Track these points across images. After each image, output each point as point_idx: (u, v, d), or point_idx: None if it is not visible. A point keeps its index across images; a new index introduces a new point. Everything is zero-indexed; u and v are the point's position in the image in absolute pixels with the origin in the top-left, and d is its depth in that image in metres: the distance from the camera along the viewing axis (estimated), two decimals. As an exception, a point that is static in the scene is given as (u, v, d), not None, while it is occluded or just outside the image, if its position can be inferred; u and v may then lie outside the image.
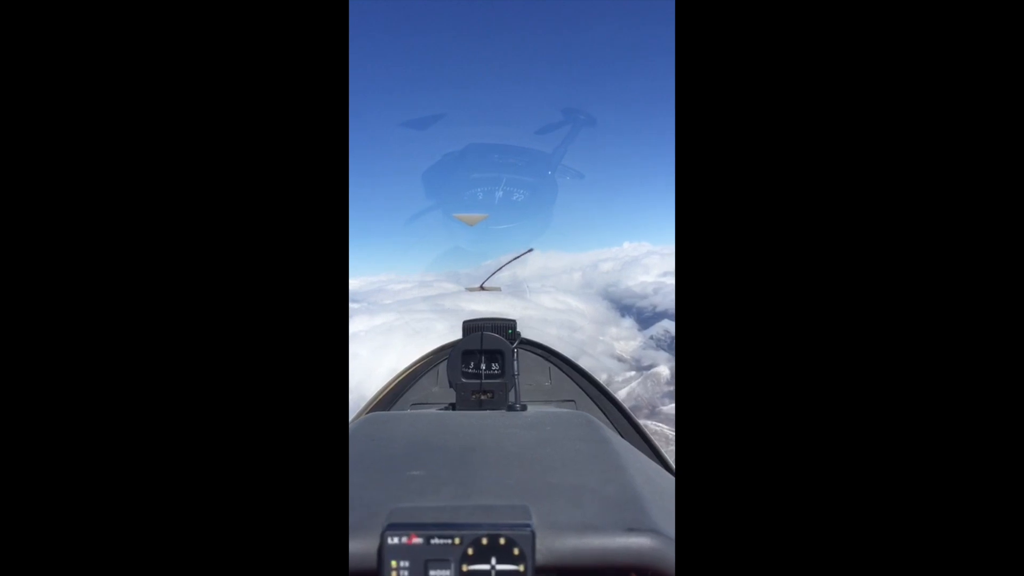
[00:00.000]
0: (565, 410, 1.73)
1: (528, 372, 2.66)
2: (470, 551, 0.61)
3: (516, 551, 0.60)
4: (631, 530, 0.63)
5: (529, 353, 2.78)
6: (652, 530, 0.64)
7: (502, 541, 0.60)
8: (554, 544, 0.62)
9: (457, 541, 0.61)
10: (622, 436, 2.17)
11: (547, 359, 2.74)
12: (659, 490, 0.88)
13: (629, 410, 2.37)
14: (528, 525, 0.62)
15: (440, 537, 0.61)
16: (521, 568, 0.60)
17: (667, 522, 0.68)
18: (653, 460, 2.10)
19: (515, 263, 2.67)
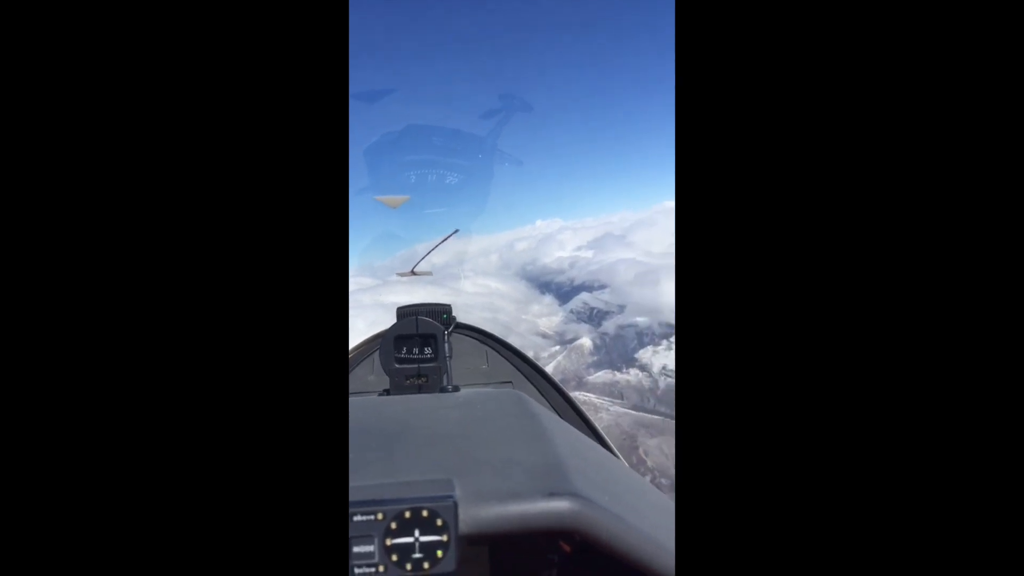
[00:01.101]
0: (496, 390, 1.72)
1: (466, 356, 2.66)
2: (393, 525, 0.61)
3: (439, 522, 0.61)
4: (552, 495, 0.64)
5: (466, 337, 2.77)
6: (572, 493, 0.65)
7: (425, 513, 0.61)
8: (478, 513, 0.63)
9: (380, 517, 0.61)
10: (557, 412, 2.20)
11: (484, 342, 2.75)
12: (585, 458, 0.88)
13: (561, 386, 2.41)
14: (451, 496, 0.63)
15: (363, 514, 0.61)
16: (444, 538, 0.60)
17: (590, 488, 0.70)
18: (587, 433, 2.15)
19: (435, 250, 2.62)
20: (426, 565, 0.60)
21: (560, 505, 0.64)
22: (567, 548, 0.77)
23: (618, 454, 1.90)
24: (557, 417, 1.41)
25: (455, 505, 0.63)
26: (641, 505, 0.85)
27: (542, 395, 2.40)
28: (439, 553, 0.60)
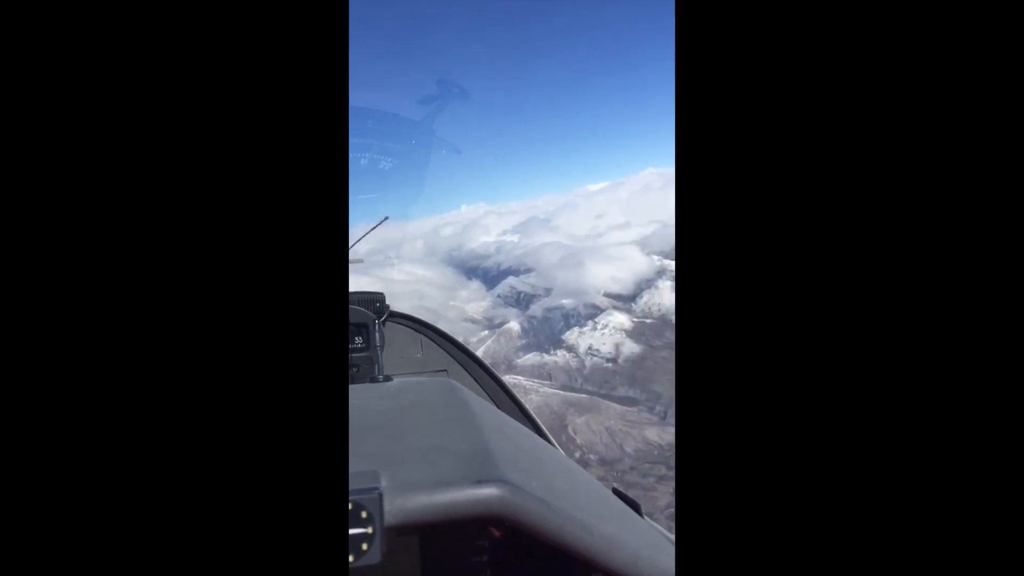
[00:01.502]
0: (428, 378, 1.73)
1: (400, 345, 2.64)
2: None
3: (364, 514, 0.61)
4: (479, 482, 0.64)
5: (399, 326, 2.75)
6: (499, 480, 0.65)
7: (350, 506, 0.60)
8: (405, 504, 0.63)
9: None
10: (491, 398, 2.22)
11: (418, 331, 2.74)
12: (514, 444, 0.88)
13: (494, 371, 2.44)
14: (376, 488, 0.63)
15: None
16: (370, 530, 0.60)
17: (518, 474, 0.70)
18: (520, 418, 2.20)
19: (364, 237, 2.57)
20: (351, 558, 0.59)
21: (486, 492, 0.64)
22: (497, 534, 0.77)
23: (550, 438, 1.96)
24: (489, 404, 1.42)
25: (380, 497, 0.62)
26: (568, 488, 0.85)
27: (477, 382, 2.42)
28: (364, 546, 0.60)
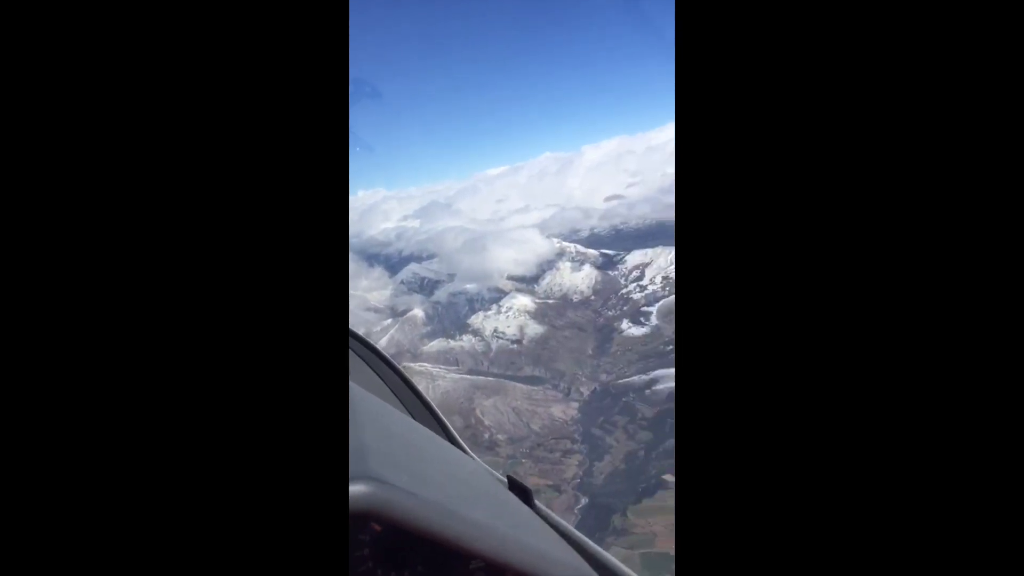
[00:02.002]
0: None
1: None
2: None
3: None
4: (350, 479, 0.65)
5: None
6: (367, 477, 0.66)
7: None
8: None
9: None
10: (391, 389, 2.18)
11: None
12: (393, 439, 0.88)
13: (394, 361, 2.39)
14: None
15: None
16: None
17: (390, 469, 0.70)
18: (420, 409, 2.16)
19: None
20: None
21: (354, 489, 0.64)
22: (377, 528, 0.79)
23: (449, 428, 1.96)
24: (375, 399, 1.38)
25: None
26: (447, 478, 0.86)
27: (376, 373, 2.36)
28: None
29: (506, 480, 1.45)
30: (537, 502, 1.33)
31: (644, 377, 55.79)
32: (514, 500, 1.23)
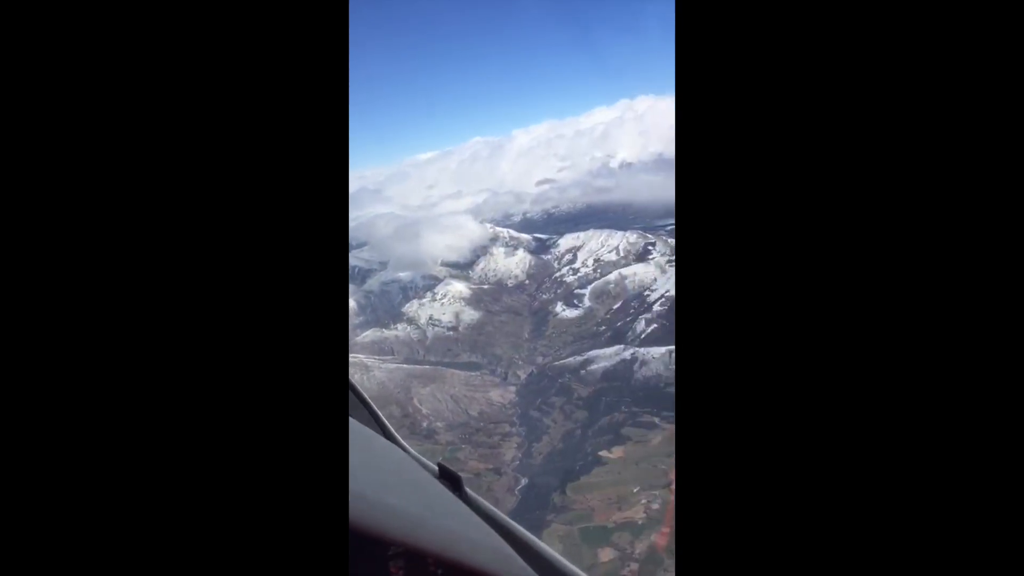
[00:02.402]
0: None
1: None
2: None
3: None
4: None
5: None
6: None
7: None
8: None
9: None
10: None
11: None
12: None
13: None
14: None
15: None
16: None
17: None
18: (356, 404, 2.09)
19: None
20: None
21: None
22: None
23: (380, 416, 1.92)
24: None
25: None
26: (371, 470, 0.85)
27: None
28: None
29: (437, 468, 1.44)
30: (467, 489, 1.33)
31: (579, 358, 57.12)
32: (440, 488, 1.25)
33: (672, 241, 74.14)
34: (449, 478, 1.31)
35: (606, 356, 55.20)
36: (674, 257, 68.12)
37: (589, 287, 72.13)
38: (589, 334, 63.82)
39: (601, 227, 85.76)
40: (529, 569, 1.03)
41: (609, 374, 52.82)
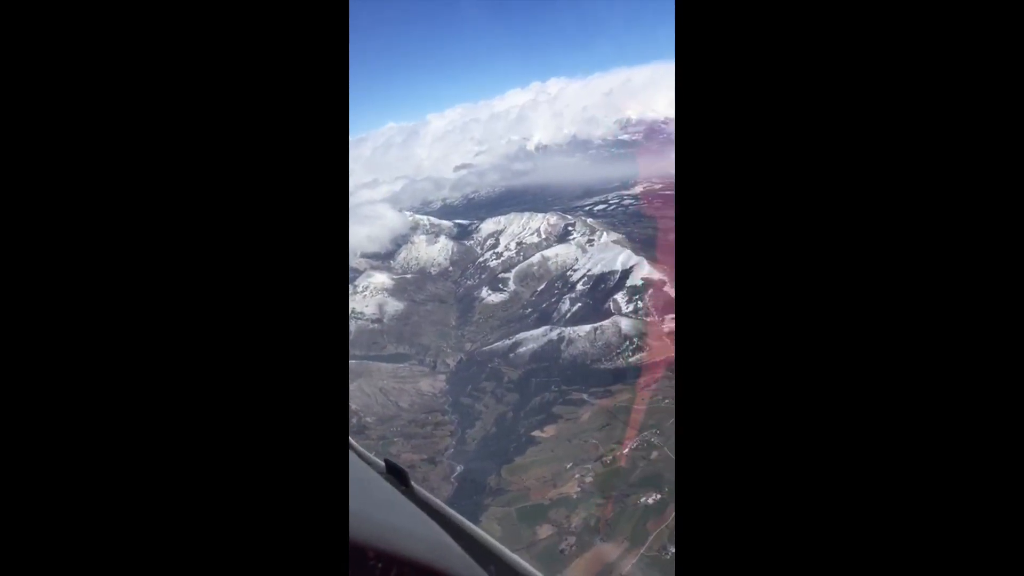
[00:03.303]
0: None
1: None
2: None
3: None
4: None
5: None
6: None
7: None
8: None
9: None
10: None
11: None
12: None
13: None
14: None
15: None
16: None
17: None
18: None
19: None
20: None
21: None
22: None
23: None
24: None
25: None
26: None
27: None
28: None
29: (383, 464, 1.44)
30: (413, 483, 1.37)
31: (507, 342, 57.53)
32: (384, 484, 1.32)
33: (590, 220, 75.99)
34: (396, 473, 1.31)
35: (534, 338, 55.94)
36: (592, 236, 69.91)
37: (513, 270, 72.62)
38: (516, 317, 64.40)
39: (522, 210, 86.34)
40: (468, 558, 1.05)
41: (537, 355, 53.61)
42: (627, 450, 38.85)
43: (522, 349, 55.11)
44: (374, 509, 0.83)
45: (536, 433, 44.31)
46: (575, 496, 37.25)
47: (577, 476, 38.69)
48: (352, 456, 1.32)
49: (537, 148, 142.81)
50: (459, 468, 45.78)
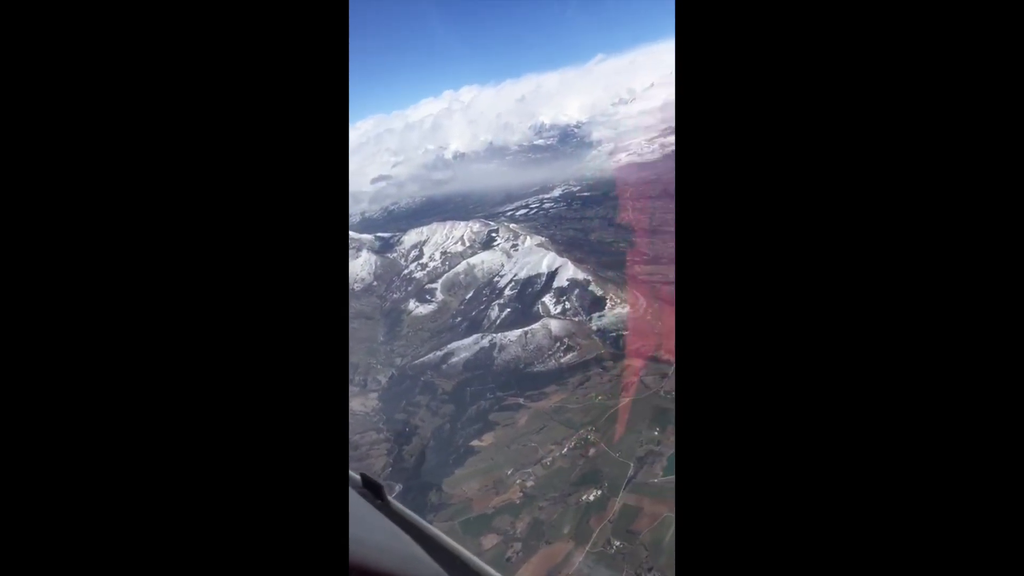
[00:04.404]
0: None
1: None
2: None
3: None
4: None
5: None
6: None
7: None
8: None
9: None
10: None
11: None
12: None
13: None
14: None
15: None
16: None
17: None
18: None
19: None
20: None
21: None
22: None
23: None
24: None
25: None
26: None
27: None
28: None
29: (359, 478, 1.48)
30: (389, 497, 1.39)
31: (438, 353, 56.68)
32: (357, 497, 1.34)
33: (513, 225, 76.50)
34: (371, 487, 1.34)
35: (465, 347, 55.44)
36: (517, 241, 70.38)
37: (440, 280, 71.77)
38: (446, 327, 63.64)
39: (444, 219, 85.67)
40: (442, 571, 1.06)
41: (470, 364, 53.15)
42: (566, 450, 39.23)
43: (454, 359, 54.46)
44: (350, 524, 0.85)
45: (475, 443, 43.85)
46: (518, 502, 37.13)
47: (519, 482, 38.58)
48: None
49: (455, 156, 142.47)
50: (398, 487, 44.50)
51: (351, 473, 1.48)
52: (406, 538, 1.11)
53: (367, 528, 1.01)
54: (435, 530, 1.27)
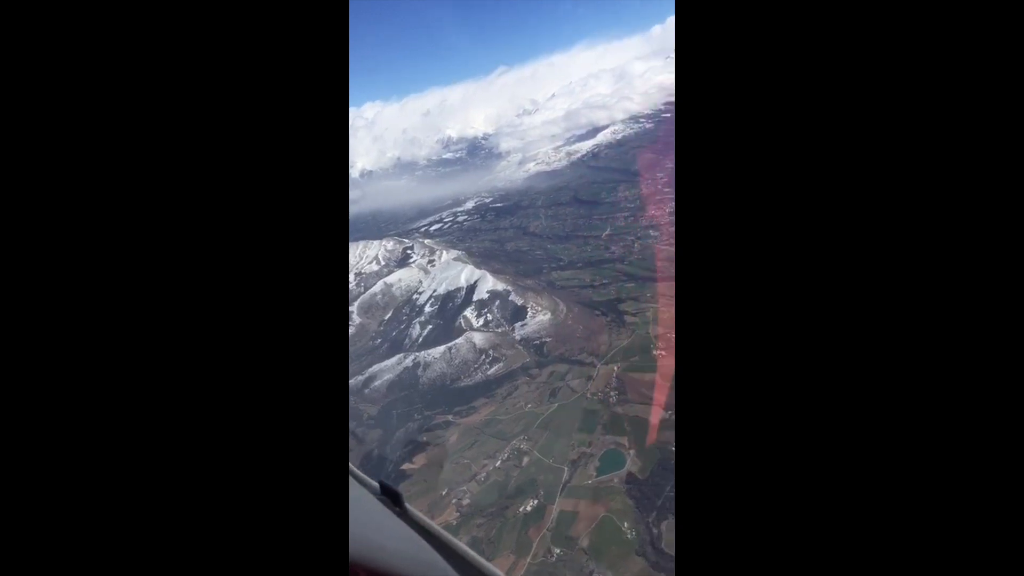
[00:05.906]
0: None
1: None
2: None
3: None
4: None
5: None
6: None
7: None
8: None
9: None
10: None
11: None
12: None
13: None
14: None
15: None
16: None
17: None
18: None
19: None
20: None
21: None
22: None
23: None
24: None
25: None
26: None
27: None
28: None
29: (378, 485, 1.47)
30: (407, 504, 1.41)
31: (360, 378, 54.58)
32: (378, 504, 1.36)
33: (428, 241, 75.53)
34: (390, 494, 1.35)
35: (388, 368, 53.77)
36: (433, 256, 69.50)
37: (356, 303, 69.39)
38: (366, 350, 61.50)
39: (356, 239, 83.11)
40: None
41: (395, 385, 51.59)
42: (499, 463, 38.84)
43: (377, 382, 52.64)
44: (368, 530, 0.86)
45: (406, 466, 42.45)
46: (455, 522, 36.25)
47: (454, 501, 37.72)
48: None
49: (362, 174, 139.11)
50: (328, 524, 42.07)
51: (371, 481, 1.48)
52: (424, 544, 1.13)
53: (386, 534, 1.02)
54: (452, 537, 1.30)
